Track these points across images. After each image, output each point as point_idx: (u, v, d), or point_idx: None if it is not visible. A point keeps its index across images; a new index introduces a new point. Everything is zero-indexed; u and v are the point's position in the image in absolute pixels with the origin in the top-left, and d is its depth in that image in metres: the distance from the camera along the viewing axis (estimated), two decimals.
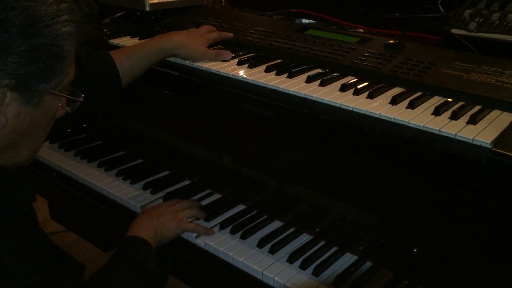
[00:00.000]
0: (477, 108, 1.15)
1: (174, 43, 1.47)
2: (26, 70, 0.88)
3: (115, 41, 1.69)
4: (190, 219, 1.43)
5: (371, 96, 1.21)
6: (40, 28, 0.88)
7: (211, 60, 1.48)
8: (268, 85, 1.31)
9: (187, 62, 1.48)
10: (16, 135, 0.94)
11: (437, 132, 1.06)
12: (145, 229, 1.30)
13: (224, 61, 1.47)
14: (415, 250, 1.23)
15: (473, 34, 1.39)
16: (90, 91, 1.37)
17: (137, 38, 1.69)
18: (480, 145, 1.01)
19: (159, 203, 1.47)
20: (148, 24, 1.78)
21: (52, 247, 1.04)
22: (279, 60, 1.47)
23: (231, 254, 1.32)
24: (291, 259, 1.29)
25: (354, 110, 1.17)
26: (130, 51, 1.47)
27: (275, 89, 1.30)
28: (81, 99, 1.03)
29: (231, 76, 1.39)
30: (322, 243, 1.36)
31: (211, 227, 1.42)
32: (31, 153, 1.02)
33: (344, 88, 1.26)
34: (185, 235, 1.40)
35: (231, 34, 1.62)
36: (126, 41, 1.66)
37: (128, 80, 1.47)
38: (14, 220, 0.96)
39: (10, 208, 0.97)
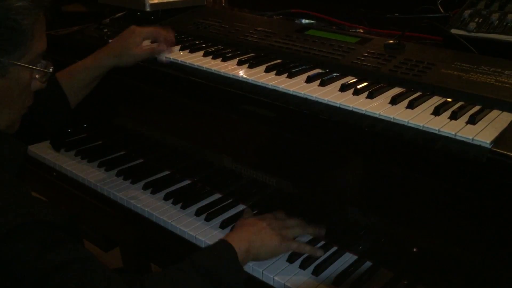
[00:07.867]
0: (477, 108, 1.15)
1: (109, 56, 1.49)
2: None
3: None
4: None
5: (370, 96, 1.21)
6: None
7: (210, 60, 1.48)
8: (268, 85, 1.31)
9: (187, 62, 1.48)
10: None
11: (436, 132, 1.06)
12: (239, 239, 1.22)
13: (227, 62, 1.47)
14: (415, 250, 1.23)
15: (472, 34, 1.39)
16: (35, 110, 1.43)
17: None
18: (480, 145, 1.01)
19: (264, 215, 1.35)
20: (149, 25, 1.78)
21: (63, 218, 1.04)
22: (279, 60, 1.47)
23: None
24: (291, 259, 1.29)
25: (354, 110, 1.18)
26: (71, 70, 1.50)
27: (275, 89, 1.30)
28: (50, 71, 1.10)
29: (231, 76, 1.39)
30: (322, 242, 1.36)
31: (210, 227, 1.42)
32: (10, 120, 1.09)
33: (344, 88, 1.26)
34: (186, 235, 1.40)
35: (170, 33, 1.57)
36: None
37: (76, 98, 1.52)
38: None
39: (6, 162, 1.03)
